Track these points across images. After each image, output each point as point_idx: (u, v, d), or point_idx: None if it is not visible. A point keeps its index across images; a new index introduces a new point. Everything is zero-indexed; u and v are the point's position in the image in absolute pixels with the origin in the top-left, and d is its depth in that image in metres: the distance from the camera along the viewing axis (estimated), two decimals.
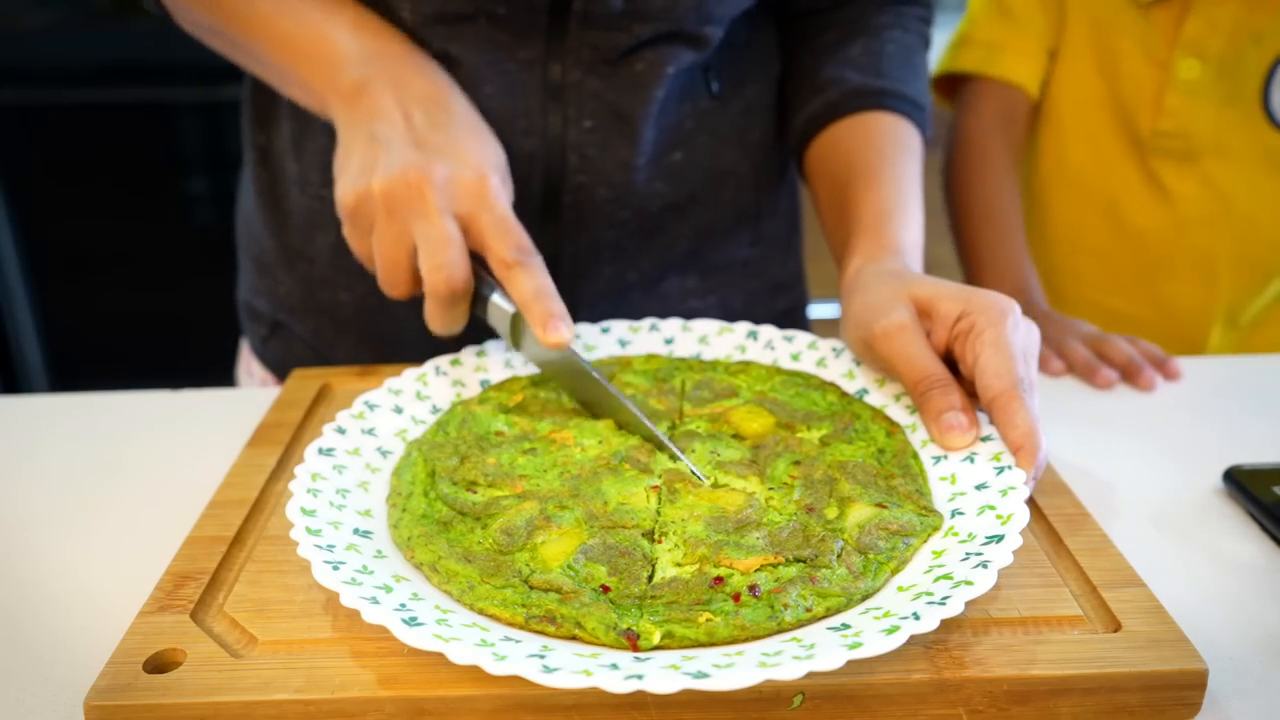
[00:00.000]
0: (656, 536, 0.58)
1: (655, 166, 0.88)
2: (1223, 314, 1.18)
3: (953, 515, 0.59)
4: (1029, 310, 0.95)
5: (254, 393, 0.86)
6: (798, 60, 0.95)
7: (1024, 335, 0.64)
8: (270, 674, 0.49)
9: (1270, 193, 1.14)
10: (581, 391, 0.72)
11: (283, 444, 0.72)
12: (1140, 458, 0.75)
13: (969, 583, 0.50)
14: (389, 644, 0.51)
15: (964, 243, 1.17)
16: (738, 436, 0.68)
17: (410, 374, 0.74)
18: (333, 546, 0.55)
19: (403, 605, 0.51)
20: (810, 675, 0.47)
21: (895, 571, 0.55)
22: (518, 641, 0.49)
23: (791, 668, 0.45)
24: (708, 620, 0.51)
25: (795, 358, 0.78)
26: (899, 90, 0.89)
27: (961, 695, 0.49)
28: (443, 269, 0.67)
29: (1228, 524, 0.67)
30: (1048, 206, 1.24)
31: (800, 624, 0.51)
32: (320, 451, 0.63)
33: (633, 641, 0.50)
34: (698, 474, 0.63)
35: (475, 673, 0.47)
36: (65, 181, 2.27)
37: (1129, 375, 0.87)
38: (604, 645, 0.50)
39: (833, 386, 0.73)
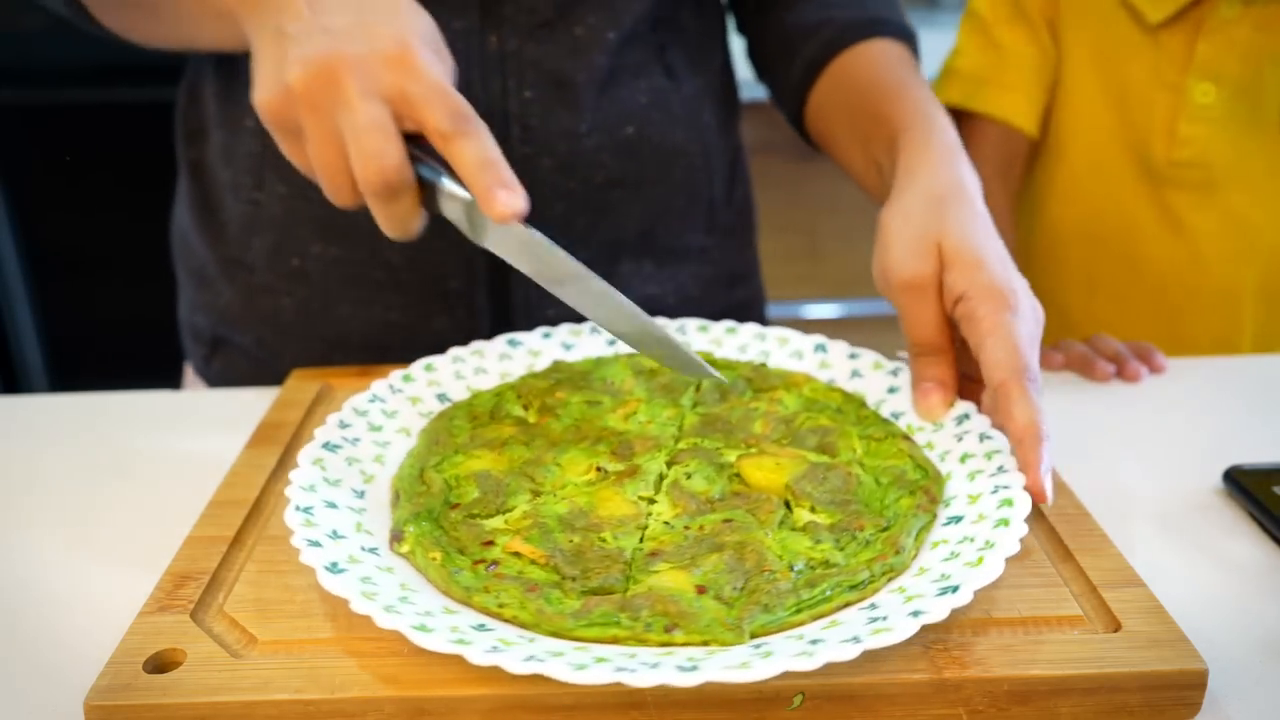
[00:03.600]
0: (647, 547, 0.57)
1: (606, 137, 0.88)
2: (1249, 353, 1.12)
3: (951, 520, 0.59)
4: None
5: (254, 393, 0.86)
6: (770, 26, 0.95)
7: (1030, 323, 0.64)
8: (270, 674, 0.49)
9: None
10: (557, 281, 0.64)
11: (283, 444, 0.72)
12: (1140, 458, 0.75)
13: (974, 569, 0.51)
14: (389, 644, 0.51)
15: None
16: (739, 477, 0.64)
17: (398, 374, 0.73)
18: (334, 545, 0.55)
19: (403, 599, 0.51)
20: (810, 674, 0.47)
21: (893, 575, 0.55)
22: (530, 640, 0.49)
23: (799, 662, 0.45)
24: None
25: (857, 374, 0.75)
26: (889, 18, 0.91)
27: (961, 695, 0.49)
28: (371, 159, 0.59)
29: (1228, 524, 0.67)
30: (1061, 248, 1.18)
31: (801, 623, 0.51)
32: (314, 460, 0.62)
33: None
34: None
35: (475, 672, 0.47)
36: (65, 181, 2.27)
37: (1117, 367, 0.88)
38: (603, 643, 0.50)
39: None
